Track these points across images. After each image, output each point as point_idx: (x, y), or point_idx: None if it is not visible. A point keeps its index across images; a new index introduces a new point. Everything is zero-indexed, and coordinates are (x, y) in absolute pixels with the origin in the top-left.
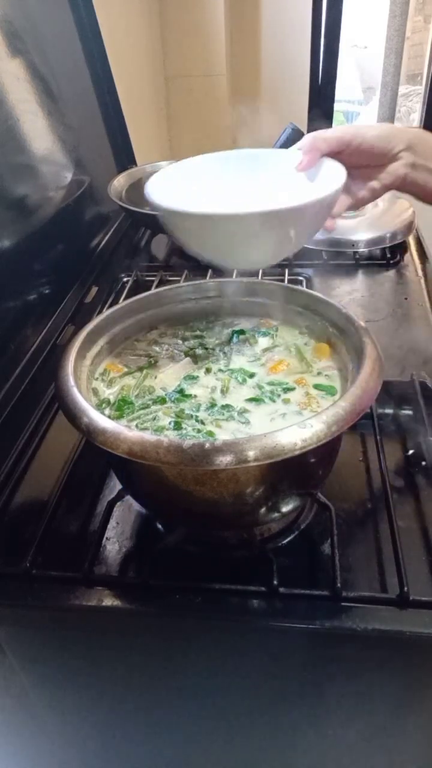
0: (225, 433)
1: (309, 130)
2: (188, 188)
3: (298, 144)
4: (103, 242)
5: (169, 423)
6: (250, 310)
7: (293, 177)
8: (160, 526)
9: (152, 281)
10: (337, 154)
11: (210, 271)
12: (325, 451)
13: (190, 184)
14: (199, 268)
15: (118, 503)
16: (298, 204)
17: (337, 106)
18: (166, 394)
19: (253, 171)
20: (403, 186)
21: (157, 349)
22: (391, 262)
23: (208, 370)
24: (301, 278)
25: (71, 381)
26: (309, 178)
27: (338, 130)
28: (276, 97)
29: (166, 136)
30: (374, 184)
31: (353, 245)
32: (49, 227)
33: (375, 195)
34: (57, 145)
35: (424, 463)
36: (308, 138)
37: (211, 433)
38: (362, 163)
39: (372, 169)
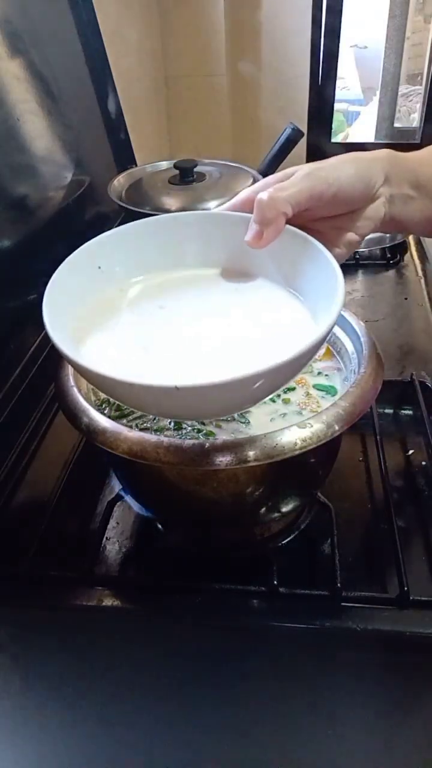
0: (225, 433)
1: (309, 130)
2: (107, 292)
3: (234, 200)
4: None
5: (170, 423)
6: None
7: (252, 262)
8: (160, 526)
9: None
10: (303, 212)
11: None
12: (325, 451)
13: (109, 282)
14: None
15: (118, 503)
16: (272, 365)
17: (337, 106)
18: None
19: (196, 249)
20: (381, 227)
21: None
22: (391, 262)
23: None
24: None
25: (71, 381)
26: (276, 267)
27: (303, 180)
28: (276, 97)
29: (166, 136)
30: (351, 236)
31: None
32: (49, 227)
33: (352, 249)
34: (57, 145)
35: (424, 463)
36: (263, 200)
37: (211, 433)
38: (335, 212)
39: (345, 217)
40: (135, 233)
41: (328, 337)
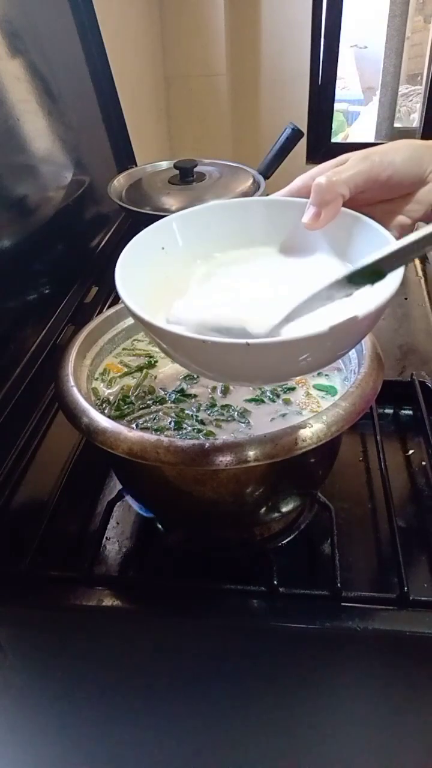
0: (225, 433)
1: (309, 130)
2: (170, 270)
3: (291, 186)
4: (103, 242)
5: (170, 423)
6: None
7: (309, 243)
8: (160, 526)
9: None
10: (357, 195)
11: None
12: (325, 451)
13: (172, 262)
14: None
15: (118, 503)
16: (342, 322)
17: (337, 106)
18: (166, 394)
19: (255, 232)
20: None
21: (157, 349)
22: None
23: None
24: None
25: (71, 381)
26: (333, 246)
27: (359, 164)
28: (276, 97)
29: (166, 136)
30: (403, 219)
31: None
32: (49, 227)
33: (404, 233)
34: (57, 145)
35: (424, 463)
36: (321, 183)
37: (211, 433)
38: (386, 196)
39: (396, 201)
40: (197, 217)
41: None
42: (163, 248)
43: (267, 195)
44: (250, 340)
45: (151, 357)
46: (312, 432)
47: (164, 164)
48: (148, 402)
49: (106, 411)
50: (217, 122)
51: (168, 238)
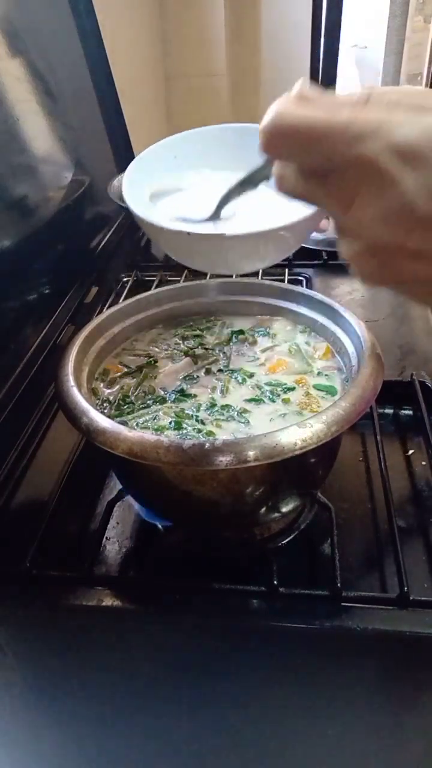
0: (225, 433)
1: None
2: (169, 179)
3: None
4: (103, 242)
5: (170, 423)
6: (250, 310)
7: None
8: (160, 526)
9: (152, 281)
10: None
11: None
12: (325, 451)
13: (171, 173)
14: None
15: (118, 503)
16: (291, 221)
17: None
18: (166, 394)
19: (243, 153)
20: None
21: (156, 349)
22: None
23: (207, 371)
24: (301, 278)
25: (71, 381)
26: None
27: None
28: (276, 97)
29: (166, 136)
30: None
31: None
32: (49, 227)
33: None
34: (57, 145)
35: (424, 463)
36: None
37: (211, 433)
38: None
39: None
40: (209, 135)
41: None
42: (175, 157)
43: None
44: (227, 233)
45: (150, 357)
46: (312, 432)
47: None
48: (148, 402)
49: (106, 411)
50: (217, 122)
51: (180, 148)
